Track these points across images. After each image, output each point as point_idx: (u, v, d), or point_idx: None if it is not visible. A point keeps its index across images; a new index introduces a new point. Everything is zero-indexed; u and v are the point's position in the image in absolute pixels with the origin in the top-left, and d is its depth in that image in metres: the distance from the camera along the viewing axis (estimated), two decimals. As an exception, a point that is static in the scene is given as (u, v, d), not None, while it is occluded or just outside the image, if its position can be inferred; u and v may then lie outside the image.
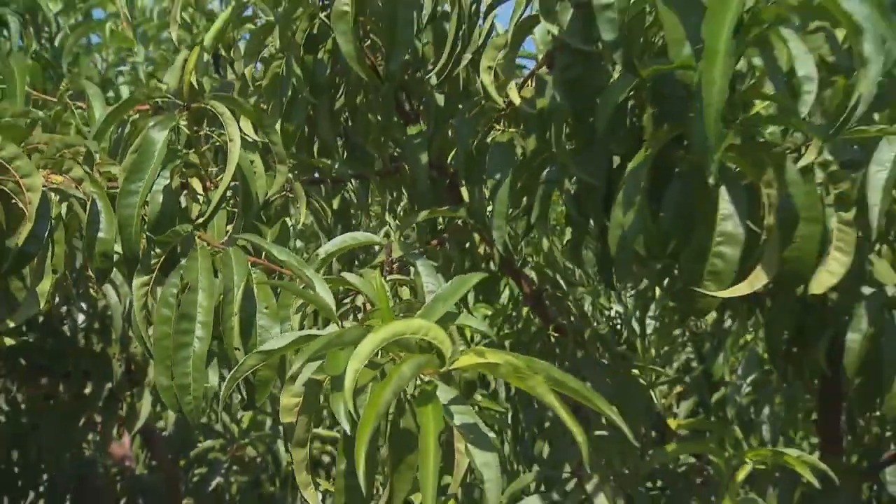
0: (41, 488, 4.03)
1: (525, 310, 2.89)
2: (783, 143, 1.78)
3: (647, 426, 2.46)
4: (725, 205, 1.59)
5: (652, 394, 2.85)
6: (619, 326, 3.58)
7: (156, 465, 3.99)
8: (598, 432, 2.22)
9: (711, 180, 1.44)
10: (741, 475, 1.83)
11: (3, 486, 3.93)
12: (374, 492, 1.50)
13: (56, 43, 3.72)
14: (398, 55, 1.89)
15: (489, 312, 2.73)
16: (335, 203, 2.28)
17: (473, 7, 2.00)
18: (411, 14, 1.88)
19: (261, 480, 3.95)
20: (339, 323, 1.50)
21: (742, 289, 1.58)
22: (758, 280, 1.58)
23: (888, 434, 2.66)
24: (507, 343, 2.77)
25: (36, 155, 1.72)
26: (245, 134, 1.86)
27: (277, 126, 2.02)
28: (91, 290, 2.90)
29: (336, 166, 2.14)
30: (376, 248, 2.09)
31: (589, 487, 2.05)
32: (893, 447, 2.60)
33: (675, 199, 1.67)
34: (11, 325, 1.64)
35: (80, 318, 3.13)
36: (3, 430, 3.86)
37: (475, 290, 2.61)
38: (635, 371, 2.72)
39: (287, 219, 2.09)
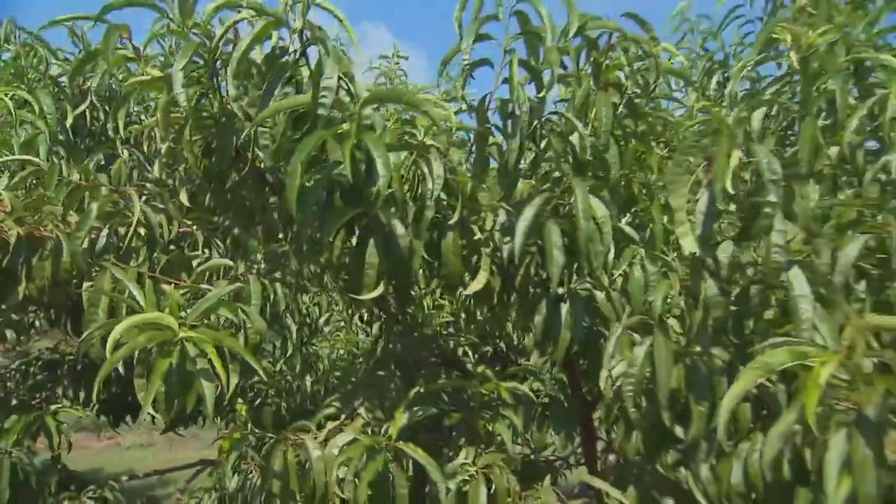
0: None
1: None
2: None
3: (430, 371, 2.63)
4: (371, 247, 1.81)
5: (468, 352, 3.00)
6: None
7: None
8: (379, 372, 2.44)
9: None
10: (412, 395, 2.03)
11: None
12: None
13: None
14: (223, 164, 2.05)
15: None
16: (228, 241, 2.52)
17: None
18: (230, 142, 1.96)
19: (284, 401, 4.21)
20: (143, 310, 1.79)
21: (368, 294, 1.79)
22: (377, 290, 1.79)
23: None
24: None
25: (39, 216, 2.10)
26: (154, 202, 2.18)
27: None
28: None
29: (222, 220, 2.42)
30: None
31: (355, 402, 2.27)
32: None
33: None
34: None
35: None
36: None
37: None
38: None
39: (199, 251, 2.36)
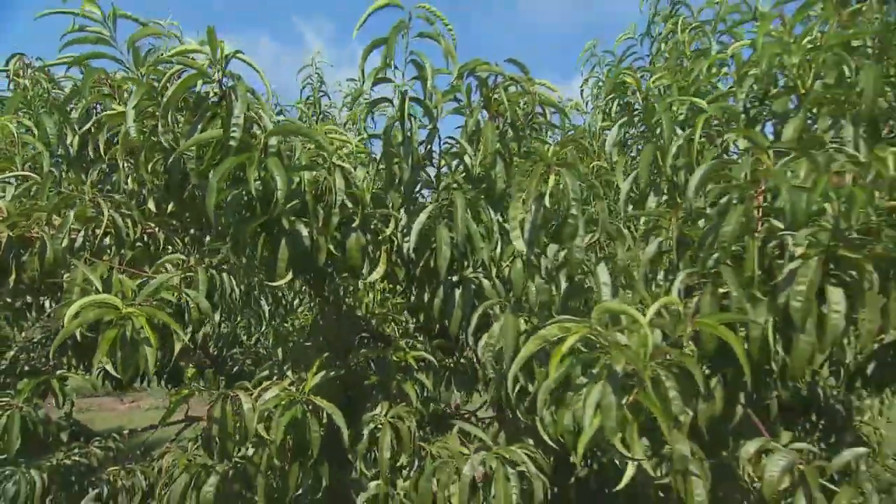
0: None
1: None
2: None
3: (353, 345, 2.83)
4: (283, 244, 2.00)
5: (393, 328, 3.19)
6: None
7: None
8: (306, 343, 2.62)
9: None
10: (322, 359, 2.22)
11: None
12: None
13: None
14: (174, 180, 2.15)
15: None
16: (187, 240, 2.66)
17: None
18: (177, 163, 2.06)
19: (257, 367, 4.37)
20: (99, 292, 1.96)
21: (280, 281, 1.96)
22: (287, 278, 1.97)
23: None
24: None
25: (31, 220, 2.25)
26: (122, 209, 2.34)
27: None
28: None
29: (181, 223, 2.58)
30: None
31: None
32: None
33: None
34: (-4, 295, 2.17)
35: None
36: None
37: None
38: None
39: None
